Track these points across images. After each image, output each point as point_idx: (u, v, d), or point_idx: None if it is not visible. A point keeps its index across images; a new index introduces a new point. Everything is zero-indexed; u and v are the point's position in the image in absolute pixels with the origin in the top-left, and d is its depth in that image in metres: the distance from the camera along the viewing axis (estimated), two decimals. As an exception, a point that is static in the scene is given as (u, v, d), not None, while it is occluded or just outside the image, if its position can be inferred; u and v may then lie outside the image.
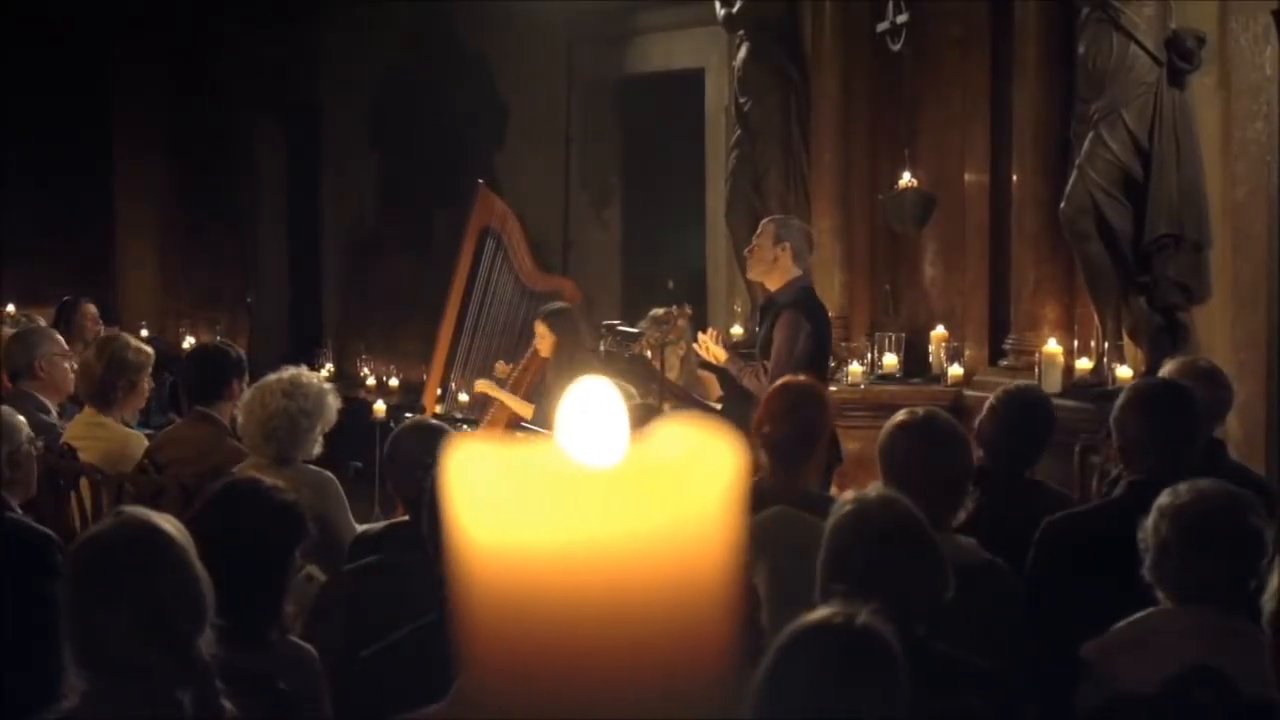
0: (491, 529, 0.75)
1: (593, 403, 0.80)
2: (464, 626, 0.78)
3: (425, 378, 9.77)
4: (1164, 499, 3.27)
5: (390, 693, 2.97)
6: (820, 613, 2.48)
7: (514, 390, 8.23)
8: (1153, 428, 4.16)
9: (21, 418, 4.63)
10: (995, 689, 3.25)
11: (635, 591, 0.76)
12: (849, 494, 3.25)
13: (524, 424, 7.78)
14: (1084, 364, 7.38)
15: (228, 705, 2.55)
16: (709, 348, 6.87)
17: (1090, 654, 3.36)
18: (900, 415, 4.12)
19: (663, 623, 0.76)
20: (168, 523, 2.65)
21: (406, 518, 4.31)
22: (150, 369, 6.15)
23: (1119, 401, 4.30)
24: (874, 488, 3.32)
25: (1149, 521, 3.27)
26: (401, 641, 3.22)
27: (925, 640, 3.18)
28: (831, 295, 8.93)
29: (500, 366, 8.48)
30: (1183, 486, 3.27)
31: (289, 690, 3.23)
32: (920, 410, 4.15)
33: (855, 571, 3.05)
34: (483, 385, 8.31)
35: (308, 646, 3.39)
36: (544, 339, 7.85)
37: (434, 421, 5.96)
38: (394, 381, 11.48)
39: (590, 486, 0.76)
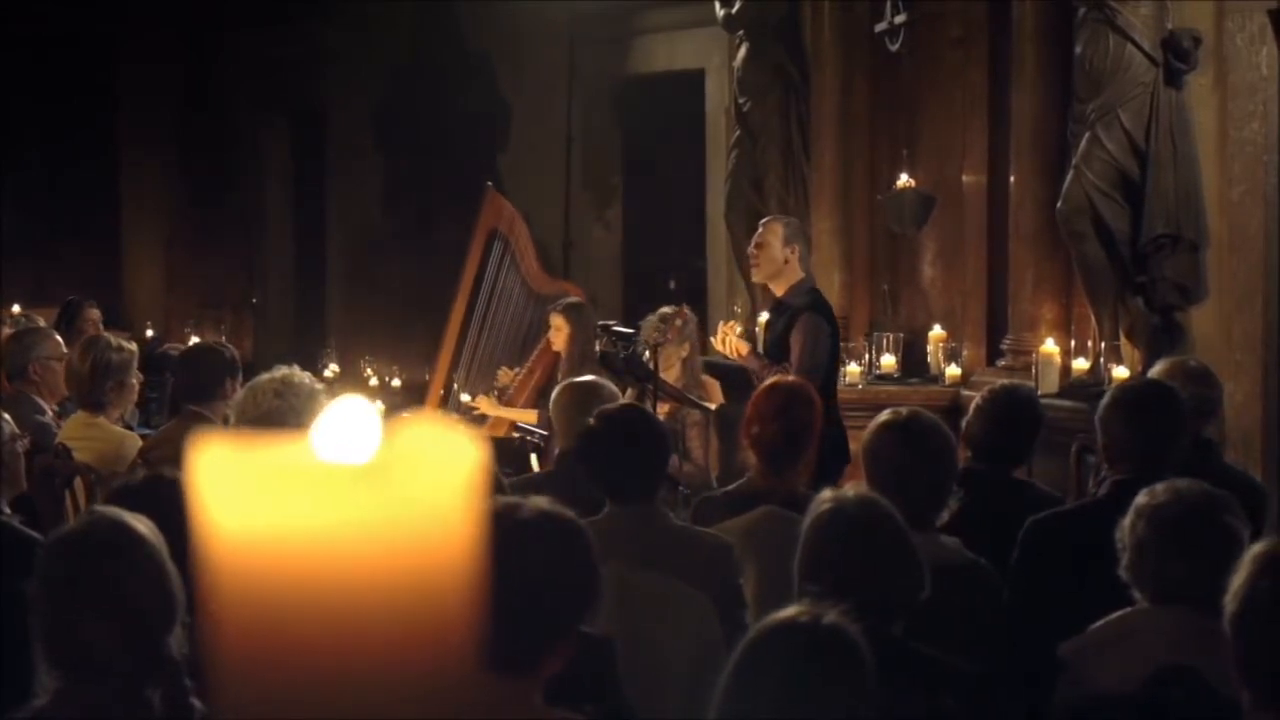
0: (237, 524, 0.76)
1: (343, 402, 0.81)
2: (211, 621, 0.80)
3: (429, 378, 9.79)
4: (1141, 499, 3.28)
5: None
6: (787, 611, 2.49)
7: (524, 384, 8.24)
8: (1137, 427, 4.16)
9: (7, 416, 4.65)
10: (976, 689, 3.25)
11: (376, 585, 0.77)
12: (827, 493, 3.25)
13: (521, 426, 7.79)
14: (1081, 364, 7.38)
15: (198, 704, 2.56)
16: (729, 339, 6.75)
17: (1067, 653, 3.36)
18: (884, 415, 4.13)
19: (401, 616, 0.78)
20: (140, 522, 2.66)
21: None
22: (135, 364, 6.17)
23: (1104, 401, 4.31)
24: (851, 487, 3.32)
25: (1126, 521, 3.27)
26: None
27: (903, 640, 3.19)
28: (831, 296, 8.90)
29: (504, 373, 8.48)
30: (1160, 487, 3.27)
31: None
32: (904, 410, 4.16)
33: (830, 571, 3.05)
34: (483, 404, 8.29)
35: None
36: (560, 331, 7.84)
37: (437, 420, 5.95)
38: (397, 382, 11.50)
39: (334, 482, 0.77)
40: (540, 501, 2.57)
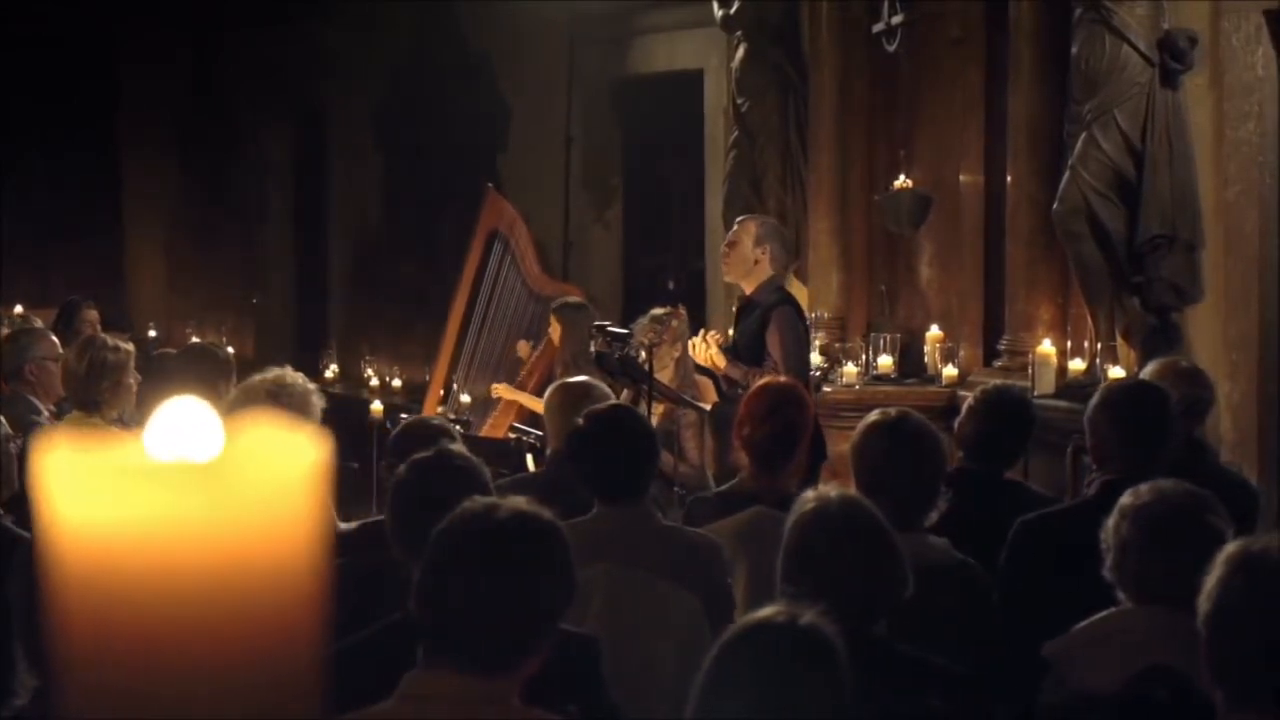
0: (81, 522, 0.77)
1: (185, 399, 0.82)
2: (55, 620, 0.80)
3: (428, 379, 9.81)
4: (1125, 499, 3.28)
5: (351, 692, 2.98)
6: (764, 611, 2.49)
7: (527, 380, 8.27)
8: (1125, 427, 4.17)
9: (1, 417, 4.66)
10: (963, 690, 3.25)
11: (217, 584, 0.78)
12: (810, 493, 3.26)
13: (516, 426, 7.80)
14: (1077, 365, 7.37)
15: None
16: (710, 352, 6.76)
17: (1051, 653, 3.36)
18: (873, 416, 4.14)
19: (242, 614, 0.78)
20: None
21: (380, 517, 4.32)
22: (132, 364, 6.17)
23: (1092, 401, 4.32)
24: (834, 487, 3.33)
25: (1110, 521, 3.28)
26: (364, 641, 3.23)
27: (887, 641, 3.19)
28: (829, 296, 8.95)
29: (522, 345, 8.52)
30: (1143, 487, 3.28)
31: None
32: (893, 410, 4.17)
33: (811, 571, 3.06)
34: (500, 390, 8.33)
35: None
36: (554, 331, 7.90)
37: (434, 421, 5.98)
38: (397, 382, 11.52)
39: (175, 481, 0.78)
40: (517, 502, 2.58)
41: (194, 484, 0.77)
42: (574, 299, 8.16)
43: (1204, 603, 2.39)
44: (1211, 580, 2.39)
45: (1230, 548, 2.42)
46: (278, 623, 0.79)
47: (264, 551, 0.78)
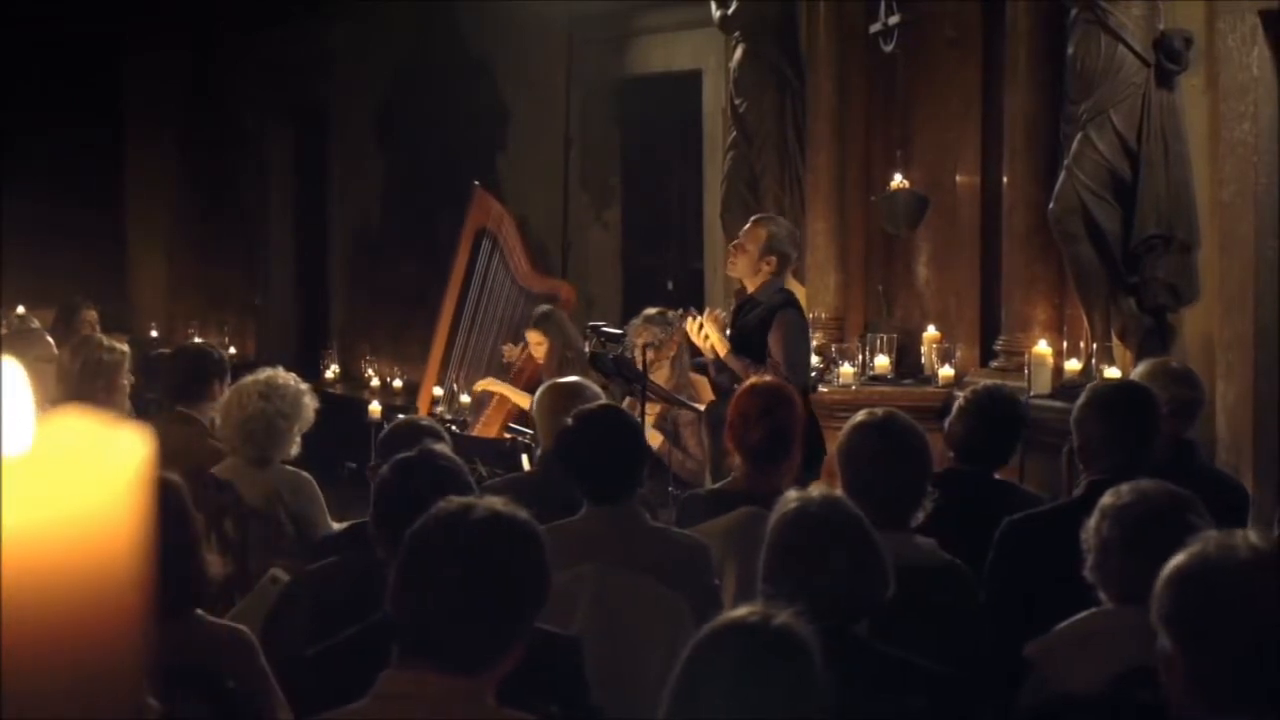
0: None
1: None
2: None
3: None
4: (1106, 499, 3.28)
5: (335, 692, 2.99)
6: (738, 611, 2.49)
7: (505, 400, 8.26)
8: (1111, 427, 4.17)
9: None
10: (945, 689, 3.25)
11: (36, 582, 0.78)
12: (792, 493, 3.26)
13: (512, 426, 7.80)
14: (1074, 365, 7.37)
15: (154, 703, 2.56)
16: (711, 334, 6.66)
17: (1033, 654, 3.37)
18: (859, 415, 4.13)
19: (63, 612, 0.78)
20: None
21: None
22: (126, 365, 6.18)
23: (1079, 401, 4.32)
24: (816, 488, 3.33)
25: (1091, 522, 3.28)
26: (348, 641, 3.24)
27: (868, 641, 3.20)
28: (826, 296, 8.95)
29: (508, 349, 8.51)
30: (1125, 487, 3.28)
31: (239, 690, 3.25)
32: (880, 410, 4.16)
33: (792, 571, 3.06)
34: (485, 384, 8.33)
35: (242, 630, 3.42)
36: (539, 345, 7.87)
37: (424, 421, 5.99)
38: (398, 383, 11.53)
39: None
40: (493, 502, 2.58)
41: (11, 480, 0.77)
42: (544, 309, 8.16)
43: (1168, 620, 2.35)
44: (1168, 595, 2.35)
45: (1177, 559, 2.37)
46: (91, 623, 0.78)
47: (76, 550, 0.78)
